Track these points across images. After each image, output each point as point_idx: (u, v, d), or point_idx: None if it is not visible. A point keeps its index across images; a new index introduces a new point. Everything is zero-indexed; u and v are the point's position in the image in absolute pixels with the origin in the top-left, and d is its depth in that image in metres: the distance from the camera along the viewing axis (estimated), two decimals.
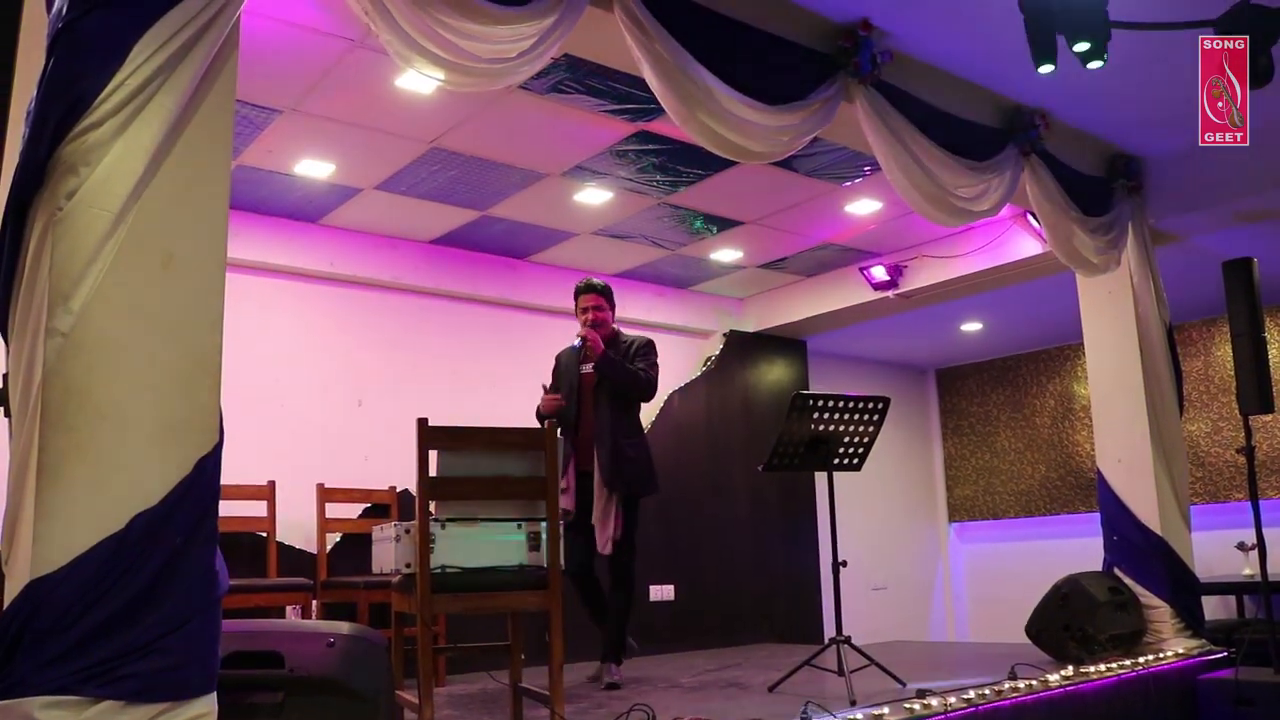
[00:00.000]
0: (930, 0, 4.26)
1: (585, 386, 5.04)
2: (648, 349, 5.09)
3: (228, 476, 2.57)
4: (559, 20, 3.40)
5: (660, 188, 5.92)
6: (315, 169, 5.46)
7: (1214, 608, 7.17)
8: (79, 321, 2.28)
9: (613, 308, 5.16)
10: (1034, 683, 4.20)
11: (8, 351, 2.36)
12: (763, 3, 4.18)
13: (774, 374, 8.37)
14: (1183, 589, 5.38)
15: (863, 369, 9.56)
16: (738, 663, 5.91)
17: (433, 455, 3.48)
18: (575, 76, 4.58)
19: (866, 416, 4.59)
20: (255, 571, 5.37)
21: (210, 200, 2.55)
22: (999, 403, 9.70)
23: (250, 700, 2.55)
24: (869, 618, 8.32)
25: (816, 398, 4.49)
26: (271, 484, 5.48)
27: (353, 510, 5.92)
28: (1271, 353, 5.50)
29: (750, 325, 8.28)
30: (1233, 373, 5.37)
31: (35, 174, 2.32)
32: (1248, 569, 7.31)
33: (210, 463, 2.40)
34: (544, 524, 3.60)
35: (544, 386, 5.04)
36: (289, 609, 5.21)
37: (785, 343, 8.47)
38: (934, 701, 3.75)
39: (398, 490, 5.95)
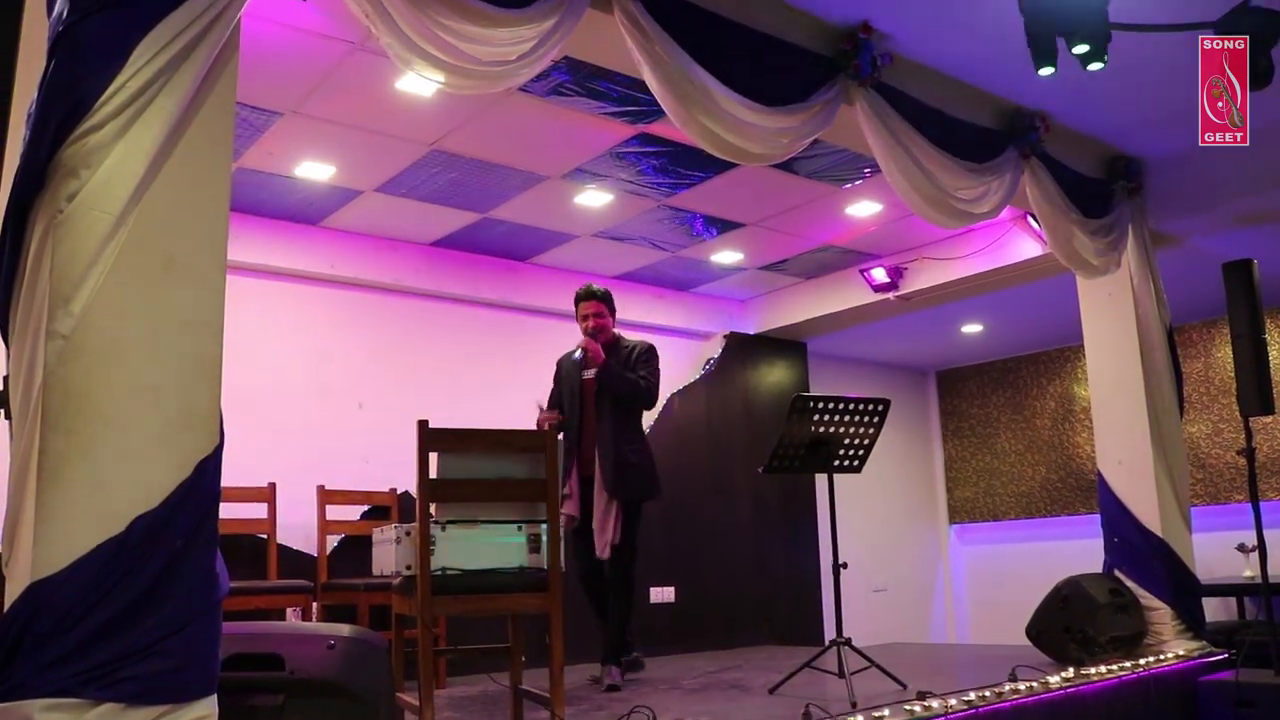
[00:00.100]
0: (930, 3, 4.26)
1: (587, 393, 5.05)
2: (648, 355, 5.10)
3: (228, 478, 2.57)
4: (559, 23, 3.40)
5: (660, 190, 5.92)
6: (316, 171, 5.46)
7: (1215, 609, 7.16)
8: (79, 324, 2.28)
9: (613, 313, 5.18)
10: (1035, 685, 4.20)
11: (8, 354, 2.36)
12: (763, 5, 4.18)
13: (774, 376, 8.37)
14: (1183, 591, 5.38)
15: (863, 371, 9.56)
16: (738, 664, 5.91)
17: (433, 457, 3.48)
18: (575, 79, 4.58)
19: (867, 418, 4.58)
20: (255, 574, 5.36)
21: (211, 202, 2.55)
22: (999, 404, 9.70)
23: (250, 702, 2.55)
24: (869, 619, 8.32)
25: (817, 399, 4.49)
26: (272, 486, 5.48)
27: (353, 512, 5.91)
28: (1272, 354, 5.50)
29: (751, 327, 8.28)
30: (1233, 374, 5.37)
31: (36, 176, 2.32)
32: (1248, 571, 7.30)
33: (211, 465, 2.41)
34: (544, 526, 3.60)
35: (540, 406, 5.04)
36: (289, 611, 5.21)
37: (785, 345, 8.47)
38: (935, 703, 3.75)
39: (398, 492, 5.95)
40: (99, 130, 2.34)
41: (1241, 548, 7.34)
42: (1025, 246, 6.55)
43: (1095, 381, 5.89)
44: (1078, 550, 6.89)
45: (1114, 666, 4.69)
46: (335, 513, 5.74)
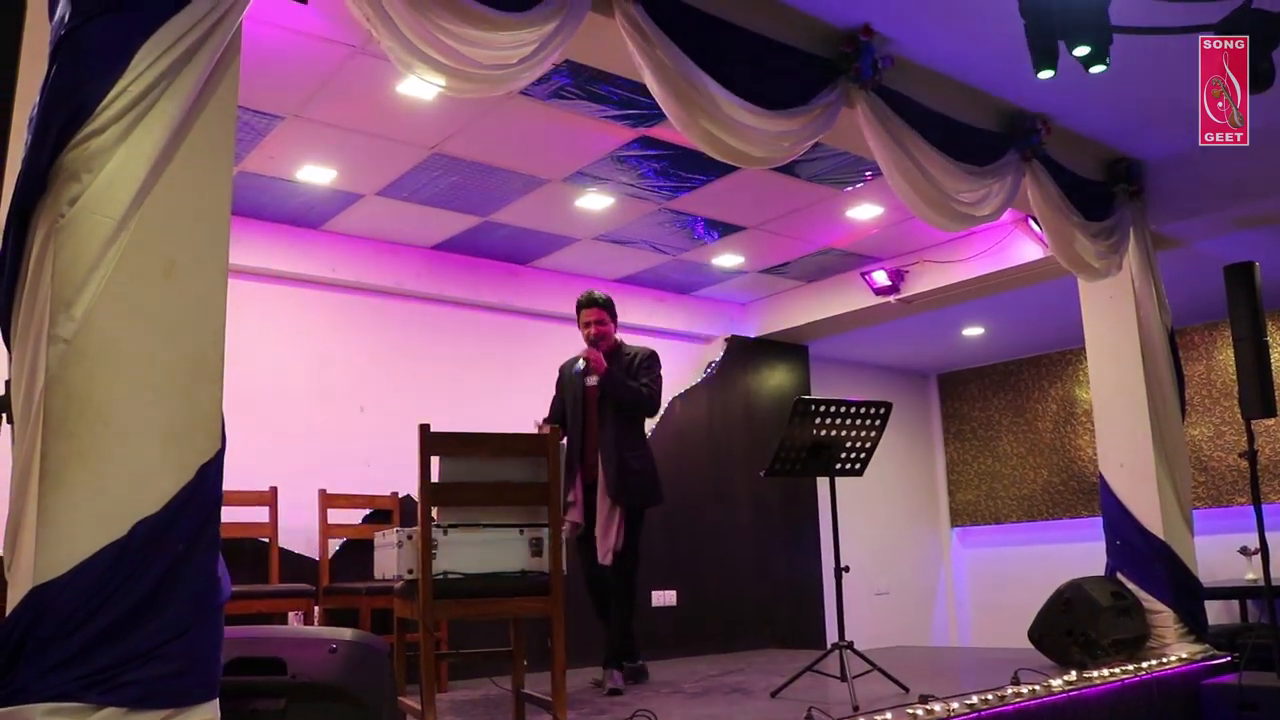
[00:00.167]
0: (931, 5, 4.27)
1: (590, 400, 5.06)
2: (650, 362, 5.12)
3: (229, 482, 2.56)
4: (560, 26, 3.41)
5: (661, 193, 5.92)
6: (317, 175, 5.47)
7: (1217, 612, 7.16)
8: (81, 328, 2.28)
9: (615, 319, 5.19)
10: (1037, 688, 4.19)
11: (10, 358, 2.36)
12: (764, 8, 4.19)
13: (775, 379, 8.37)
14: (1185, 594, 5.37)
15: (864, 374, 9.55)
16: (740, 668, 5.91)
17: (435, 461, 3.48)
18: (576, 82, 4.58)
19: (868, 422, 4.59)
20: (257, 577, 5.36)
21: (212, 206, 2.56)
22: (1001, 407, 9.70)
23: (252, 706, 2.55)
24: (871, 623, 8.32)
25: (818, 403, 4.49)
26: (274, 490, 5.48)
27: (355, 516, 5.91)
28: (1274, 357, 5.50)
29: (752, 330, 8.28)
30: (1235, 377, 5.36)
31: (38, 181, 2.32)
32: (1250, 573, 7.29)
33: (212, 469, 2.41)
34: (546, 530, 3.60)
35: (536, 424, 5.05)
36: (291, 615, 5.21)
37: (787, 348, 8.47)
38: (937, 707, 3.74)
39: (400, 496, 5.95)
40: (101, 134, 2.34)
41: (1244, 550, 7.32)
42: (1026, 249, 6.54)
43: (1097, 384, 5.88)
44: (1080, 553, 6.89)
45: (1116, 670, 4.69)
46: (337, 516, 5.74)
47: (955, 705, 3.80)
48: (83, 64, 2.36)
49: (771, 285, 7.87)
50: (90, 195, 2.33)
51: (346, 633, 2.77)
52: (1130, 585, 5.36)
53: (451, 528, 3.51)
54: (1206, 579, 5.70)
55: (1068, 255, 5.29)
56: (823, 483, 4.63)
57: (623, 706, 4.26)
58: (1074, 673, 4.53)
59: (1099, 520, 5.77)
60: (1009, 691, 4.08)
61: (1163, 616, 5.29)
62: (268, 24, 4.00)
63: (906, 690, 4.23)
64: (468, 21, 3.18)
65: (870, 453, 4.69)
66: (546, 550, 3.59)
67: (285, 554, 5.57)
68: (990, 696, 3.97)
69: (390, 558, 3.67)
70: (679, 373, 7.61)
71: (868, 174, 5.70)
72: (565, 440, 5.10)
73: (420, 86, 4.47)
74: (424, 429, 3.45)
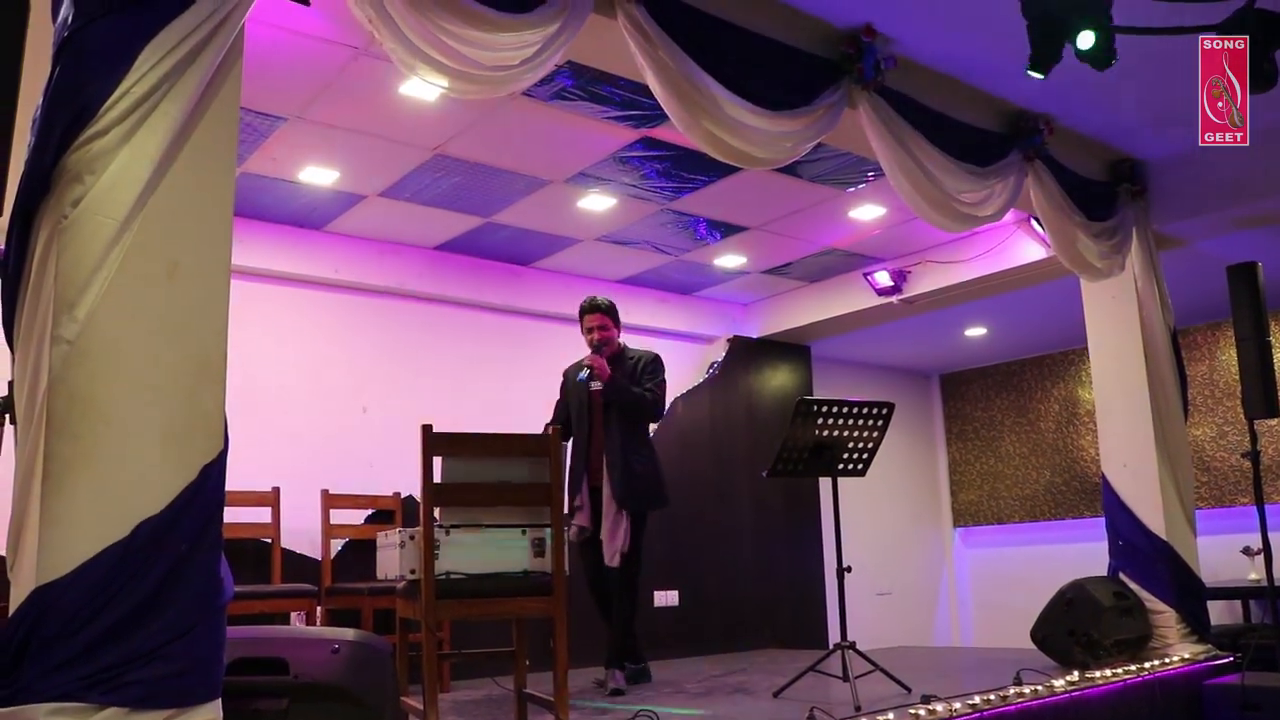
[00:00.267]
0: (934, 5, 4.27)
1: (594, 404, 5.09)
2: (654, 367, 5.13)
3: (232, 483, 2.57)
4: (562, 27, 3.41)
5: (664, 194, 5.93)
6: (319, 176, 5.47)
7: (1219, 613, 7.16)
8: (84, 329, 2.29)
9: (617, 324, 5.21)
10: (1039, 688, 4.19)
11: (14, 359, 2.37)
12: (766, 9, 4.19)
13: (778, 379, 8.36)
14: (1188, 594, 5.37)
15: (867, 374, 9.55)
16: (742, 668, 5.91)
17: (437, 461, 3.48)
18: (579, 83, 4.58)
19: (871, 422, 4.59)
20: (260, 578, 5.37)
21: (215, 208, 2.56)
22: (1003, 407, 9.69)
23: (255, 706, 2.56)
24: (874, 623, 8.31)
25: (820, 403, 4.49)
26: (276, 490, 5.48)
27: (357, 516, 5.91)
28: (1277, 357, 5.49)
29: (754, 331, 8.28)
30: (1238, 377, 5.36)
31: (41, 182, 2.33)
32: (1253, 574, 7.28)
33: (215, 469, 2.41)
34: (548, 530, 3.60)
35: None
36: (293, 615, 5.21)
37: (789, 348, 8.46)
38: (939, 707, 3.74)
39: (402, 496, 5.95)
40: (104, 136, 2.35)
41: (1246, 551, 7.32)
42: (1029, 249, 6.54)
43: (1099, 384, 5.88)
44: (1082, 553, 6.87)
45: (1119, 670, 4.69)
46: (339, 517, 5.74)
47: (957, 705, 3.80)
48: (86, 65, 2.36)
49: (774, 286, 7.87)
50: (93, 196, 2.33)
51: (349, 633, 2.78)
52: (1133, 585, 5.36)
53: (454, 528, 3.51)
54: (1209, 579, 5.70)
55: (1070, 255, 5.29)
56: (825, 483, 4.63)
57: (625, 706, 4.26)
58: (1076, 673, 4.52)
59: (1101, 520, 5.76)
60: (1011, 692, 4.07)
61: (1165, 617, 5.29)
62: (270, 25, 4.00)
63: (909, 690, 4.24)
64: (470, 23, 3.18)
65: (872, 453, 4.69)
66: (549, 550, 3.59)
67: (288, 554, 5.58)
68: (993, 697, 3.97)
69: (392, 558, 3.67)
70: (681, 373, 7.61)
71: (870, 174, 5.70)
72: (570, 445, 5.12)
73: (422, 88, 4.47)
74: (426, 429, 3.45)
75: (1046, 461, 9.30)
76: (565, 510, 4.56)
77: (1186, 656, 5.12)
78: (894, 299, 7.29)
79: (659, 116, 4.68)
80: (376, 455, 6.02)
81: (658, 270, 7.32)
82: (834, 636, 5.45)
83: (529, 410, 5.64)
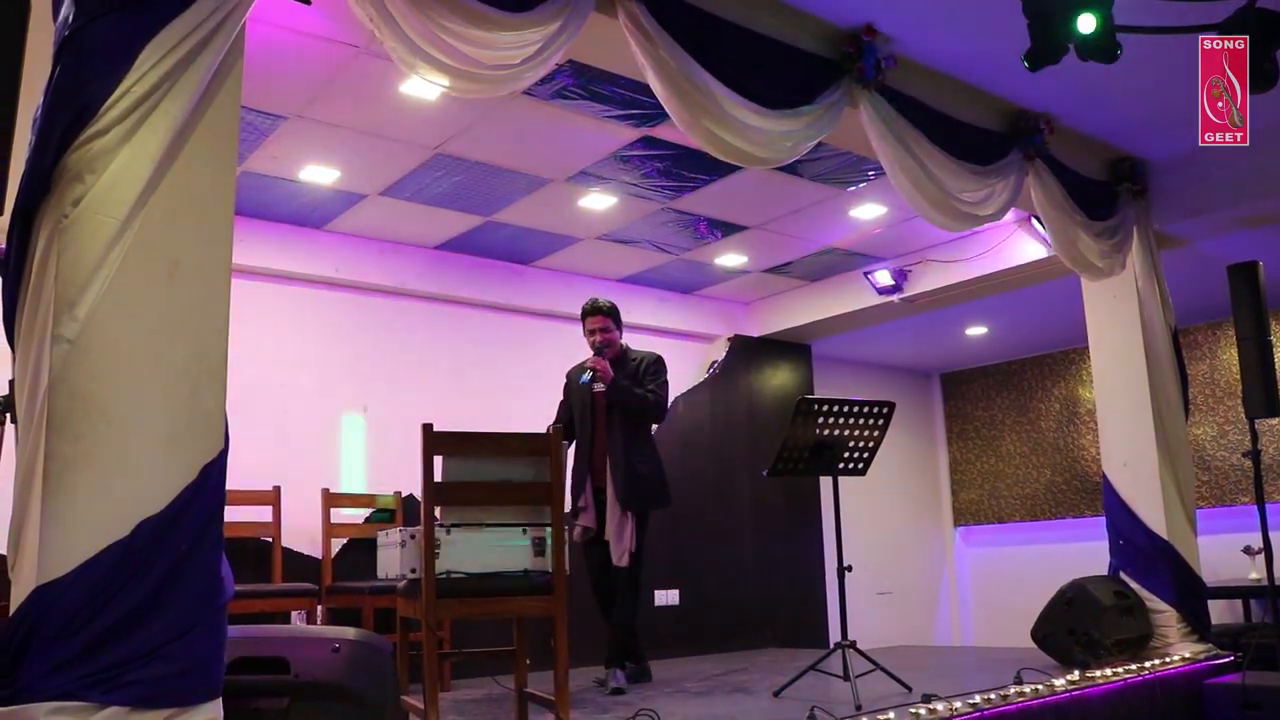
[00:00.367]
0: (934, 5, 4.26)
1: (597, 406, 5.10)
2: (657, 368, 5.15)
3: (233, 482, 2.57)
4: (563, 26, 3.41)
5: (664, 193, 5.93)
6: (320, 175, 5.47)
7: (1220, 612, 7.15)
8: (85, 328, 2.29)
9: (619, 326, 5.22)
10: (1040, 687, 4.19)
11: (14, 358, 2.37)
12: (767, 8, 4.18)
13: (778, 378, 8.36)
14: (1189, 593, 5.36)
15: (867, 373, 9.55)
16: (743, 667, 5.91)
17: (438, 461, 3.48)
18: (579, 82, 4.58)
19: (871, 421, 4.59)
20: (260, 577, 5.37)
21: (215, 207, 2.56)
22: (1004, 407, 9.69)
23: (255, 706, 2.56)
24: (874, 622, 8.31)
25: (821, 402, 4.49)
26: (277, 489, 5.49)
27: (358, 515, 5.92)
28: (1277, 356, 5.48)
29: (755, 330, 8.28)
30: (1238, 376, 5.36)
31: (41, 181, 2.33)
32: (1254, 573, 7.28)
33: (215, 469, 2.41)
34: (549, 529, 3.60)
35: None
36: (294, 614, 5.22)
37: (790, 347, 8.46)
38: (939, 706, 3.74)
39: (403, 495, 5.95)
40: (104, 135, 2.35)
41: (1247, 550, 7.31)
42: (1030, 249, 6.54)
43: (1100, 384, 5.88)
44: (1083, 553, 6.87)
45: (1119, 669, 4.69)
46: (340, 516, 5.75)
47: (958, 704, 3.80)
48: (86, 65, 2.36)
49: (774, 285, 7.87)
50: (94, 196, 2.33)
51: (349, 632, 2.78)
52: (1133, 585, 5.35)
53: (454, 527, 3.51)
54: (1210, 578, 5.70)
55: (1071, 255, 5.29)
56: (825, 482, 4.62)
57: (625, 706, 4.26)
58: (1077, 672, 4.53)
59: (1102, 520, 5.76)
60: (1012, 691, 4.08)
61: (1166, 616, 5.29)
62: (271, 24, 4.00)
63: (909, 690, 4.23)
64: (471, 21, 3.18)
65: (873, 452, 4.69)
66: (549, 550, 3.59)
67: (288, 553, 5.58)
68: (993, 696, 3.97)
69: (393, 557, 3.67)
70: (682, 372, 7.60)
71: (871, 173, 5.70)
72: (574, 447, 5.13)
73: (423, 87, 4.47)
74: (427, 429, 3.45)
75: (1047, 461, 9.30)
76: (568, 510, 4.58)
77: (1187, 656, 5.12)
78: (895, 298, 7.29)
79: (660, 115, 4.68)
80: (377, 454, 6.03)
81: (658, 269, 7.32)
82: (834, 635, 5.44)
83: (530, 409, 5.64)
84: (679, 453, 7.39)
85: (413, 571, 3.53)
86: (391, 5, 3.02)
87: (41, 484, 2.21)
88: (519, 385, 6.68)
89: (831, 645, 4.49)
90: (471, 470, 3.56)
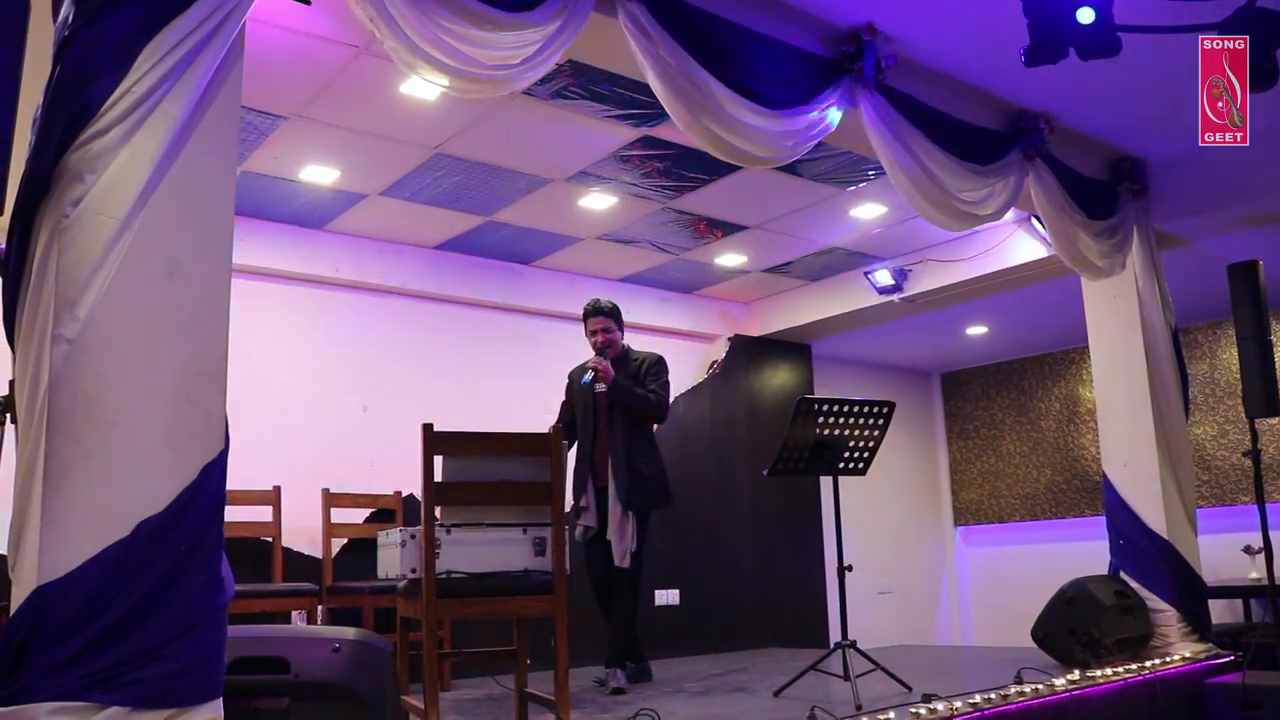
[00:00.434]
0: (934, 5, 4.26)
1: (599, 406, 5.11)
2: (659, 368, 5.17)
3: (233, 482, 2.57)
4: (563, 26, 3.41)
5: (664, 193, 5.92)
6: (320, 175, 5.47)
7: (1220, 612, 7.15)
8: (85, 328, 2.29)
9: (621, 326, 5.23)
10: (1040, 687, 4.19)
11: (14, 358, 2.37)
12: (767, 8, 4.18)
13: (778, 378, 8.36)
14: (1189, 593, 5.36)
15: (867, 373, 9.55)
16: (743, 667, 5.91)
17: (438, 460, 3.48)
18: (579, 82, 4.58)
19: (871, 421, 4.59)
20: (261, 577, 5.37)
21: (216, 206, 2.56)
22: (1004, 406, 9.69)
23: (256, 706, 2.56)
24: (874, 622, 8.30)
25: (821, 402, 4.49)
26: (277, 489, 5.49)
27: (358, 515, 5.92)
28: (1278, 355, 5.48)
29: (755, 329, 8.28)
30: (1239, 376, 5.36)
31: (41, 182, 2.33)
32: (1254, 573, 7.28)
33: (216, 469, 2.41)
34: (549, 529, 3.60)
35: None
36: (294, 614, 5.22)
37: (790, 347, 8.46)
38: (940, 706, 3.74)
39: (403, 495, 5.95)
40: (104, 135, 2.35)
41: (1247, 549, 7.31)
42: (1030, 248, 6.54)
43: (1100, 383, 5.88)
44: (1083, 552, 6.87)
45: (1120, 669, 4.69)
46: (340, 516, 5.75)
47: (958, 704, 3.80)
48: (87, 65, 2.36)
49: (774, 284, 7.87)
50: (94, 196, 2.33)
51: (350, 632, 2.78)
52: (1133, 584, 5.35)
53: (455, 527, 3.51)
54: (1210, 578, 5.70)
55: (1071, 254, 5.29)
56: (825, 482, 4.62)
57: (625, 705, 4.26)
58: (1077, 672, 4.53)
59: (1102, 519, 5.76)
60: (1012, 690, 4.07)
61: (1166, 615, 5.29)
62: (271, 25, 4.00)
63: (910, 689, 4.23)
64: (471, 22, 3.18)
65: (873, 452, 4.69)
66: (549, 549, 3.59)
67: (288, 553, 5.58)
68: (993, 695, 3.97)
69: (393, 557, 3.67)
70: (682, 372, 7.60)
71: (871, 173, 5.70)
72: (576, 447, 5.14)
73: (423, 87, 4.47)
74: (427, 428, 3.45)
75: (1047, 460, 9.30)
76: (569, 510, 4.58)
77: (1187, 655, 5.12)
78: (895, 298, 7.29)
79: (659, 115, 4.68)
80: (377, 454, 6.03)
81: (659, 269, 7.32)
82: (835, 635, 5.44)
83: (530, 409, 5.64)
84: (679, 453, 7.38)
85: (413, 571, 3.53)
86: (391, 5, 3.02)
87: (42, 484, 2.21)
88: (519, 385, 6.68)
89: (832, 645, 4.49)
90: (472, 470, 3.56)
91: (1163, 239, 5.95)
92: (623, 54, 3.74)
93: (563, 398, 5.35)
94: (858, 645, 4.36)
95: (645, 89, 3.96)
